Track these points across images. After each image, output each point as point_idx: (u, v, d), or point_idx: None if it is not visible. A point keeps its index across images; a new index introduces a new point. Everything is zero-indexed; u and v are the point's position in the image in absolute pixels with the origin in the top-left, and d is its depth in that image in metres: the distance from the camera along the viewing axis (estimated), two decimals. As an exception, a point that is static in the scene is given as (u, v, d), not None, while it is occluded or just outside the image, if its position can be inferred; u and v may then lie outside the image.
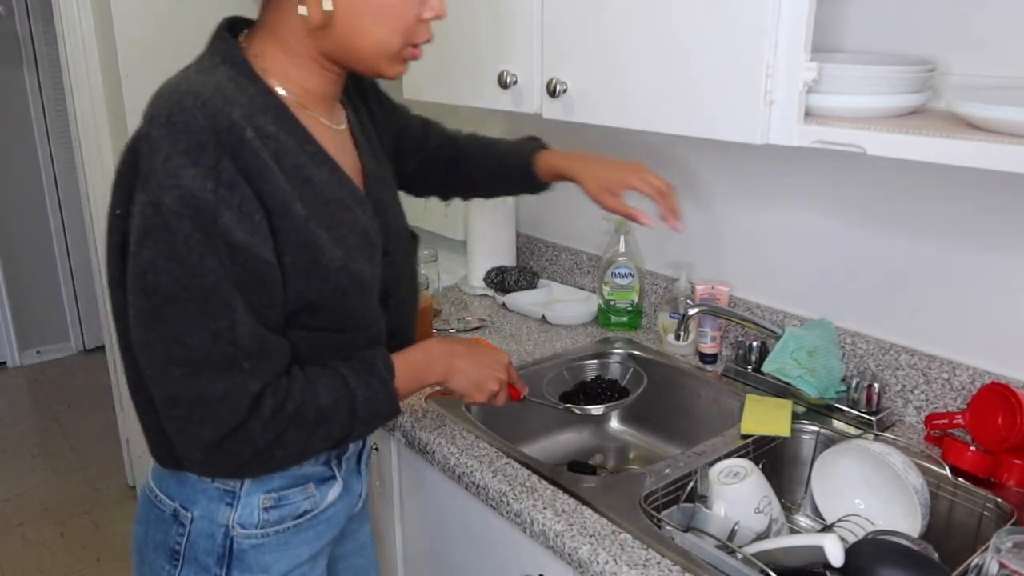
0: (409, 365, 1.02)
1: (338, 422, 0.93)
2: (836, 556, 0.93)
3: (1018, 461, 1.14)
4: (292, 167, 0.89)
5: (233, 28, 0.96)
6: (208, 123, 0.81)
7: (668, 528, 1.05)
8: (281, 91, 0.93)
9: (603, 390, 1.40)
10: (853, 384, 1.33)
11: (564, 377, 1.43)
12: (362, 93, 1.15)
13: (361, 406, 0.94)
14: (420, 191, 1.40)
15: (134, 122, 2.50)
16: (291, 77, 0.93)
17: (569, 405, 1.32)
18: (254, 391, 0.86)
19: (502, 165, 1.34)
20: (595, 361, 1.46)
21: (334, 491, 1.07)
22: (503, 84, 1.46)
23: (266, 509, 0.99)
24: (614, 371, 1.45)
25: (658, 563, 0.99)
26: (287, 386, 0.89)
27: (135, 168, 0.84)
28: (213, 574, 0.99)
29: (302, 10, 0.89)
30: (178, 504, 0.99)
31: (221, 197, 0.81)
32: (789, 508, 1.33)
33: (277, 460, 0.92)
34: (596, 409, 1.31)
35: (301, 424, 0.89)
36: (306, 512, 1.03)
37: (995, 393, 1.18)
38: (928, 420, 1.27)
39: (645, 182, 1.21)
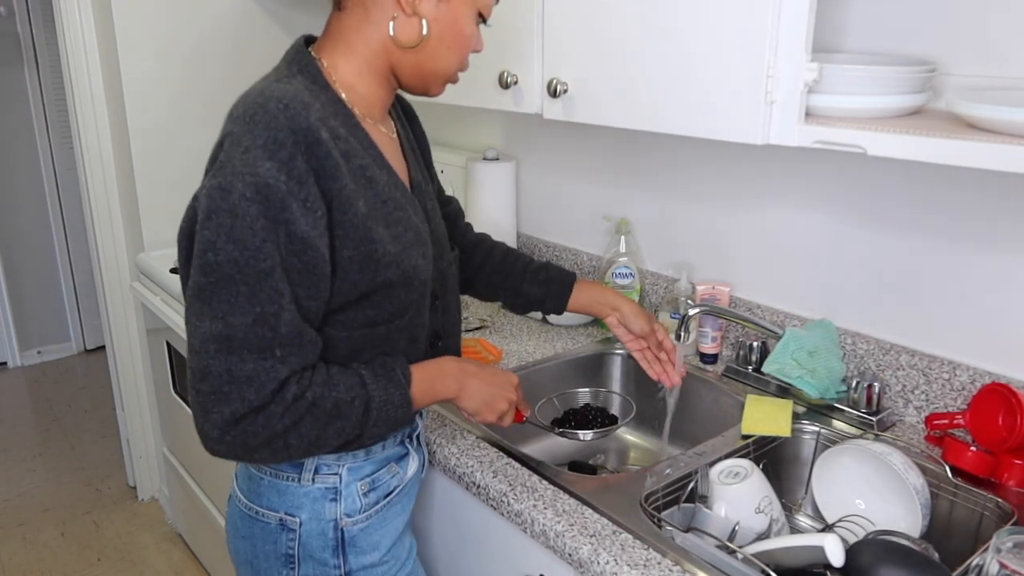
0: (424, 376, 1.05)
1: (352, 419, 0.96)
2: (836, 556, 0.94)
3: (1018, 461, 1.14)
4: (358, 167, 0.96)
5: (308, 43, 1.05)
6: (288, 123, 0.88)
7: (669, 528, 1.05)
8: (345, 99, 1.00)
9: (593, 417, 1.43)
10: (853, 384, 1.33)
11: (554, 404, 1.47)
12: (409, 116, 1.23)
13: (376, 407, 0.97)
14: None
15: (135, 122, 2.49)
16: (356, 87, 1.01)
17: (562, 430, 1.36)
18: (281, 376, 0.90)
19: (529, 286, 1.34)
20: (586, 390, 1.51)
21: (412, 465, 1.16)
22: (504, 84, 1.46)
23: (364, 494, 1.08)
24: (603, 400, 1.49)
25: (659, 563, 0.99)
26: (310, 377, 0.93)
27: (214, 162, 0.91)
28: (332, 565, 1.07)
29: (392, 29, 0.98)
30: (283, 513, 1.05)
31: (291, 189, 0.87)
32: (789, 508, 1.33)
33: (290, 448, 0.93)
34: (586, 434, 1.34)
35: (318, 415, 0.93)
36: (395, 488, 1.12)
37: (995, 393, 1.19)
38: (928, 420, 1.27)
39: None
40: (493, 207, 1.97)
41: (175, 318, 1.96)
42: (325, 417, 0.93)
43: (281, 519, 1.05)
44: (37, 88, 3.60)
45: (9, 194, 3.64)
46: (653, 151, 1.70)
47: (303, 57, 1.00)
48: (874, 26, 1.28)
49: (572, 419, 1.43)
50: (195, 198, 0.92)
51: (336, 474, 1.05)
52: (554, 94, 1.37)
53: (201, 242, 0.88)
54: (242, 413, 0.89)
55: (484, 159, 1.97)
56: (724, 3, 1.09)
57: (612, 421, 1.42)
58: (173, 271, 2.06)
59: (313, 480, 1.05)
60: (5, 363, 3.81)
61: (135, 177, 2.23)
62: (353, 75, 1.01)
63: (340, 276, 0.94)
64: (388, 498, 1.11)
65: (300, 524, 1.05)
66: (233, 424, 0.89)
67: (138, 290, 2.20)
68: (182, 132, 2.28)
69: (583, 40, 1.31)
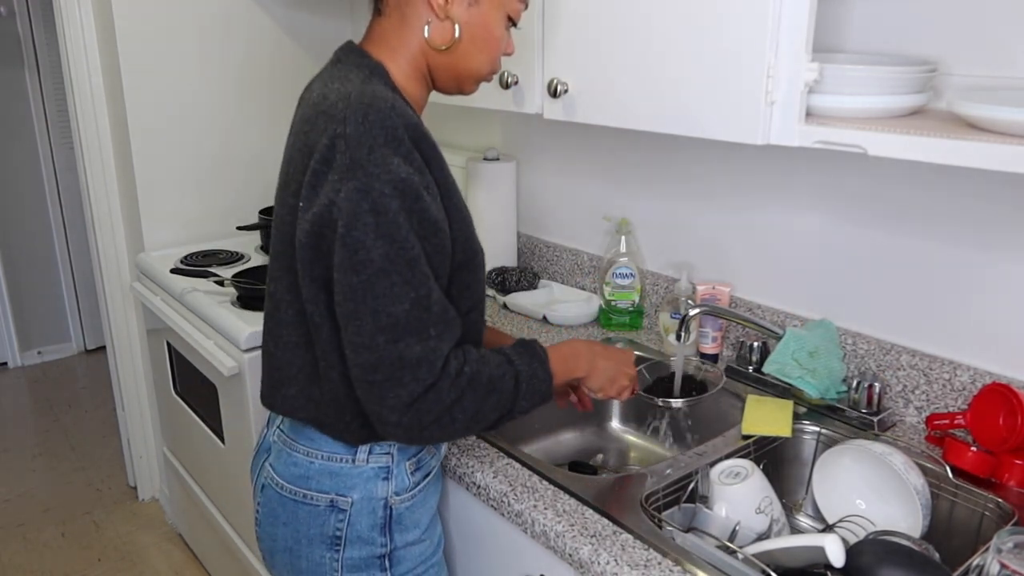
0: (559, 356, 1.11)
1: (505, 393, 1.02)
2: (837, 556, 0.94)
3: (1019, 461, 1.14)
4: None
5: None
6: (400, 120, 0.95)
7: (669, 528, 1.05)
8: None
9: (683, 385, 1.45)
10: (854, 384, 1.33)
11: (643, 375, 1.50)
12: None
13: (524, 381, 1.03)
14: None
15: (135, 122, 2.48)
16: (406, 89, 1.06)
17: (653, 397, 1.40)
18: (444, 353, 0.97)
19: None
20: (675, 357, 1.50)
21: (444, 447, 1.24)
22: (504, 84, 1.46)
23: (412, 473, 1.13)
24: (693, 368, 1.51)
25: (659, 563, 0.99)
26: (464, 354, 1.00)
27: (330, 163, 0.95)
28: (379, 544, 1.10)
29: (427, 32, 1.03)
30: (334, 494, 1.09)
31: (419, 180, 0.94)
32: (790, 508, 1.33)
33: (456, 423, 0.98)
34: (676, 402, 1.40)
35: (477, 388, 0.99)
36: (433, 468, 1.18)
37: (996, 393, 1.18)
38: (929, 420, 1.27)
39: None
40: (493, 207, 1.97)
41: (175, 318, 1.96)
42: (483, 391, 0.99)
43: (332, 500, 1.08)
44: (37, 88, 3.60)
45: (9, 194, 3.64)
46: (653, 151, 1.70)
47: (369, 61, 1.04)
48: (874, 26, 1.28)
49: (660, 388, 1.46)
50: (329, 205, 0.94)
51: (388, 453, 1.10)
52: (554, 94, 1.37)
53: (351, 244, 0.93)
54: (418, 393, 0.95)
55: (484, 159, 1.97)
56: (725, 3, 1.09)
57: (702, 389, 1.43)
58: (173, 271, 2.05)
59: (367, 460, 1.09)
60: (5, 363, 3.81)
61: (135, 177, 2.23)
62: (401, 77, 1.05)
63: (453, 252, 1.01)
64: (427, 477, 1.15)
65: (351, 504, 1.08)
66: (410, 405, 0.95)
67: (138, 290, 2.20)
68: (182, 132, 2.27)
69: (583, 40, 1.31)
